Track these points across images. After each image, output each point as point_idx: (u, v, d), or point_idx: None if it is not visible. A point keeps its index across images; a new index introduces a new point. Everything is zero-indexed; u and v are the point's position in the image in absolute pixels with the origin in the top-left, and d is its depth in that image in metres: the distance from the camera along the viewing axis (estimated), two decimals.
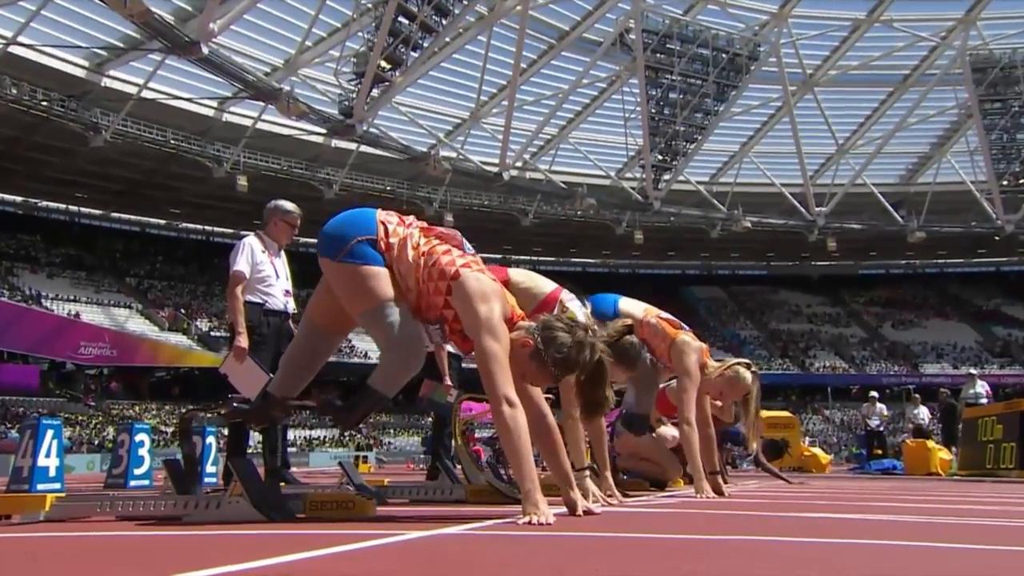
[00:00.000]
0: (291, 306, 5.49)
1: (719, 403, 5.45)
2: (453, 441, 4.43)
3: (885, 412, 16.58)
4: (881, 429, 16.35)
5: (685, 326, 4.99)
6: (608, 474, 4.21)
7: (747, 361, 5.08)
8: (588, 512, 2.97)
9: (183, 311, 40.24)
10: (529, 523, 2.58)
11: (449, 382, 6.16)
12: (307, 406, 3.15)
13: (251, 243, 5.37)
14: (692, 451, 4.62)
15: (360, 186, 38.98)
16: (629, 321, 3.86)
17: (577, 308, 3.78)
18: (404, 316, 2.92)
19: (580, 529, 2.55)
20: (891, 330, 54.27)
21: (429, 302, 2.94)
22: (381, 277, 2.92)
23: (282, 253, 5.58)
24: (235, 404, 3.15)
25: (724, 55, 32.81)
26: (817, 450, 14.81)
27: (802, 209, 38.12)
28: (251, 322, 5.17)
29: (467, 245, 3.09)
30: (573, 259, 53.71)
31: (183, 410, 3.15)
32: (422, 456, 23.37)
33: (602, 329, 3.57)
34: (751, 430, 5.13)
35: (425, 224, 3.13)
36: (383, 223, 3.01)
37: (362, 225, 2.99)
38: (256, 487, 2.92)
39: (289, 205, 5.54)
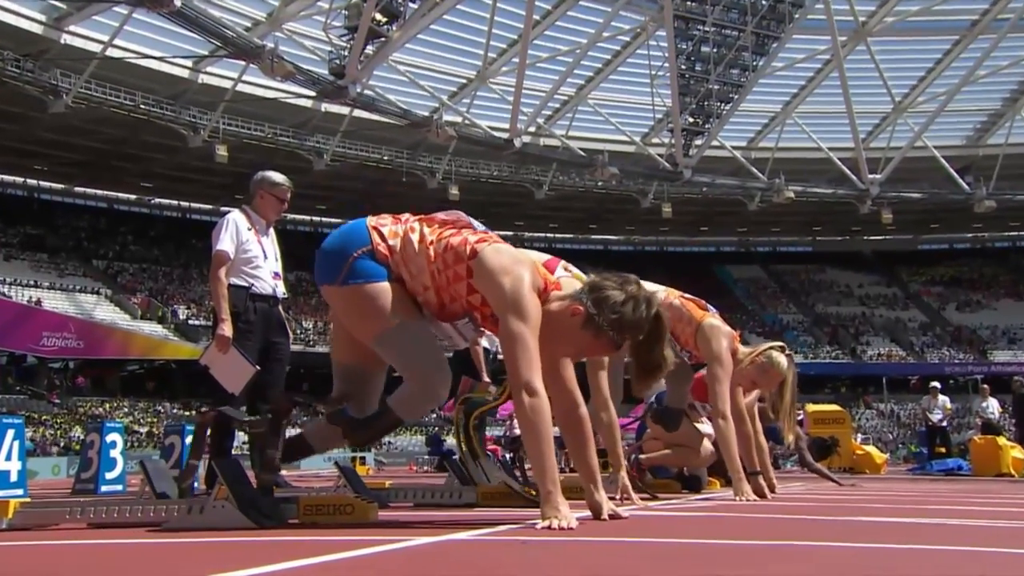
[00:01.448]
0: (280, 290, 5.50)
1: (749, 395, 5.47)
2: (455, 439, 4.47)
3: (949, 405, 16.52)
4: (944, 425, 16.31)
5: (711, 308, 4.99)
6: (623, 474, 4.26)
7: (780, 344, 5.07)
8: (615, 516, 2.98)
9: (157, 297, 40.47)
10: (549, 528, 2.59)
11: (487, 379, 6.19)
12: (316, 409, 3.17)
13: (235, 219, 5.39)
14: (729, 449, 4.64)
15: (354, 155, 39.00)
16: None
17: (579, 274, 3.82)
18: (424, 336, 2.95)
19: (606, 534, 2.56)
20: (955, 313, 54.02)
21: (451, 294, 2.96)
22: (389, 293, 2.94)
23: (271, 231, 5.59)
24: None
25: (764, 2, 32.53)
26: (871, 448, 14.82)
27: (853, 177, 37.87)
28: (236, 308, 5.18)
29: (476, 224, 3.10)
30: (593, 236, 53.67)
31: (203, 408, 3.14)
32: (426, 457, 23.50)
33: None
34: (787, 421, 5.13)
35: (422, 216, 3.14)
36: (375, 229, 3.03)
37: (357, 237, 3.02)
38: (243, 490, 2.95)
39: (278, 176, 5.55)
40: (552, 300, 2.93)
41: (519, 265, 2.88)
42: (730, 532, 2.85)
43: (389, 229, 3.03)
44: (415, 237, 2.99)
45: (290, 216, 41.83)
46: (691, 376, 5.26)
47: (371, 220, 3.09)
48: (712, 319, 4.85)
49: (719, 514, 3.63)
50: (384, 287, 2.94)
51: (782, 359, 4.91)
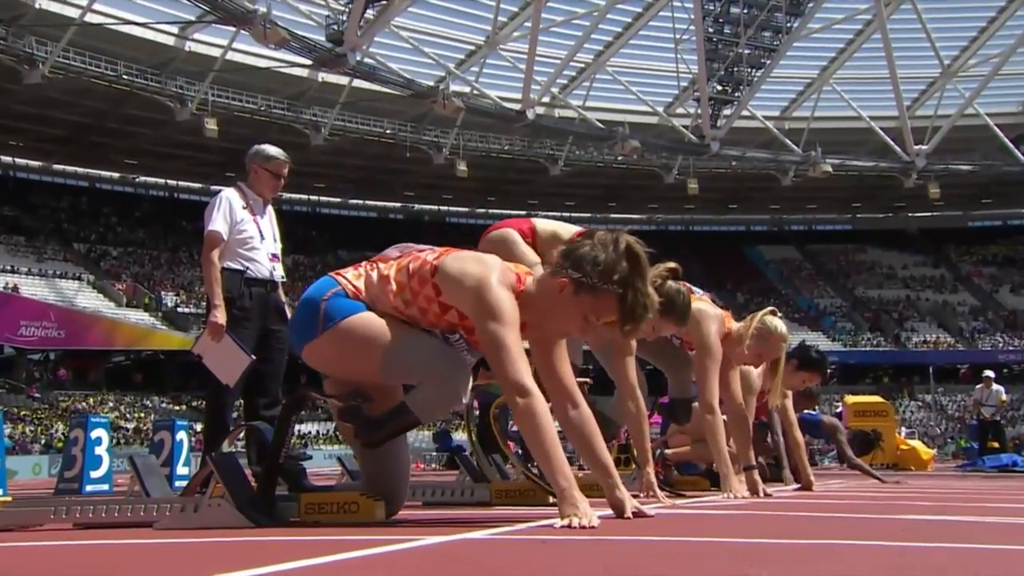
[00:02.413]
0: (279, 273, 5.52)
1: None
2: (466, 435, 4.52)
3: (1003, 396, 16.48)
4: (998, 417, 16.27)
5: (698, 290, 5.02)
6: (649, 470, 4.30)
7: (771, 308, 5.18)
8: (639, 514, 3.01)
9: (144, 283, 40.66)
10: (569, 527, 2.62)
11: None
12: (332, 403, 3.16)
13: (229, 197, 5.41)
14: (717, 442, 4.70)
15: (354, 129, 38.98)
16: (673, 264, 3.98)
17: None
18: (427, 339, 3.00)
19: (632, 533, 2.58)
20: (1009, 295, 53.73)
21: (429, 321, 3.03)
22: (374, 318, 3.01)
23: (268, 209, 5.62)
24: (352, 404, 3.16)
25: None
26: (917, 443, 14.81)
27: (897, 148, 37.66)
28: (230, 293, 5.21)
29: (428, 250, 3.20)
30: (613, 215, 53.56)
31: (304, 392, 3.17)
32: (433, 454, 23.62)
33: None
34: (777, 389, 5.22)
35: (375, 258, 3.23)
36: (338, 275, 3.16)
37: (323, 286, 3.13)
38: (241, 487, 2.98)
39: (273, 150, 5.56)
40: (530, 287, 2.99)
41: (483, 266, 2.95)
42: (763, 531, 2.86)
43: (352, 273, 3.15)
44: (376, 278, 3.08)
45: (286, 195, 41.86)
46: (691, 362, 5.31)
47: (332, 273, 3.21)
48: (699, 303, 4.87)
49: (751, 512, 3.64)
50: (367, 315, 3.02)
51: (778, 322, 5.01)
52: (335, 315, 3.01)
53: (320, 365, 3.15)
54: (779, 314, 5.12)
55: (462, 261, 2.98)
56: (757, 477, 4.88)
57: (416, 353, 2.96)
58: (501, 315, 2.85)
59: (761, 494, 4.72)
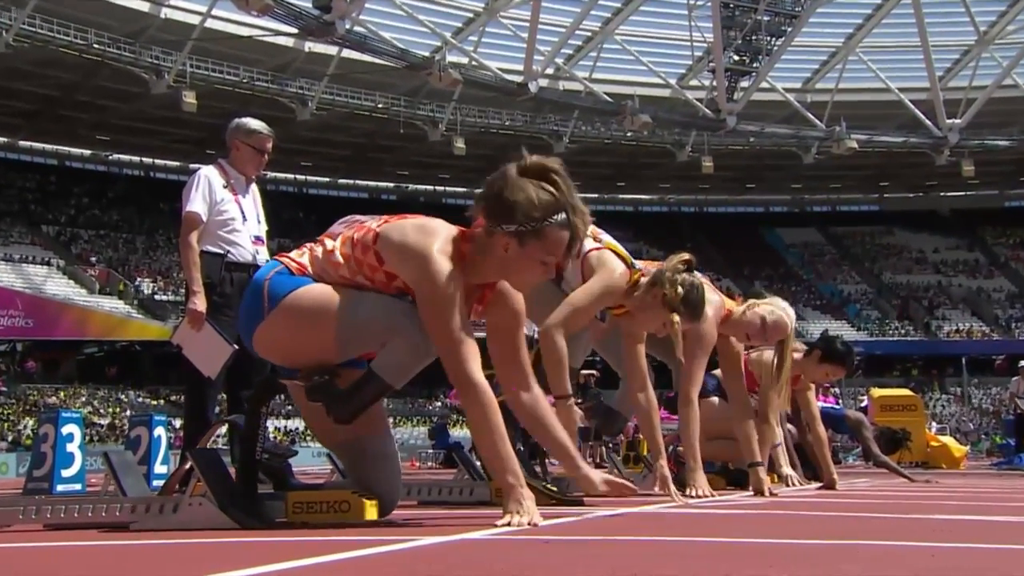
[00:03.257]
0: (263, 257, 5.51)
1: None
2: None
3: None
4: None
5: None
6: (662, 463, 4.33)
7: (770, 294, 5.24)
8: (616, 485, 3.19)
9: (118, 268, 40.67)
10: (509, 525, 2.73)
11: None
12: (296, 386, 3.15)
13: (208, 175, 5.40)
14: (689, 435, 4.73)
15: (343, 103, 38.90)
16: (687, 256, 4.01)
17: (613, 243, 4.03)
18: (384, 299, 2.99)
19: (642, 532, 2.59)
20: None
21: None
22: (318, 287, 3.02)
23: (252, 188, 5.61)
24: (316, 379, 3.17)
25: None
26: (948, 439, 14.84)
27: (928, 122, 37.56)
28: (210, 278, 5.22)
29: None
30: (622, 195, 53.58)
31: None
32: (430, 452, 23.67)
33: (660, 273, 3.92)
34: (783, 374, 5.24)
35: (320, 237, 3.26)
36: (281, 255, 3.20)
37: (266, 268, 3.19)
38: (223, 485, 2.98)
39: (255, 123, 5.55)
40: (477, 249, 2.97)
41: (424, 235, 2.95)
42: (783, 531, 2.88)
43: (295, 253, 3.17)
44: (320, 253, 3.09)
45: (270, 174, 41.90)
46: (707, 352, 5.34)
47: (276, 256, 3.27)
48: None
49: (770, 512, 3.66)
50: (313, 286, 3.02)
51: (781, 301, 5.07)
52: (279, 291, 3.01)
53: (272, 352, 3.13)
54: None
55: (403, 229, 2.98)
56: (763, 475, 4.90)
57: (373, 313, 2.94)
58: (442, 297, 2.85)
59: (767, 494, 4.73)
